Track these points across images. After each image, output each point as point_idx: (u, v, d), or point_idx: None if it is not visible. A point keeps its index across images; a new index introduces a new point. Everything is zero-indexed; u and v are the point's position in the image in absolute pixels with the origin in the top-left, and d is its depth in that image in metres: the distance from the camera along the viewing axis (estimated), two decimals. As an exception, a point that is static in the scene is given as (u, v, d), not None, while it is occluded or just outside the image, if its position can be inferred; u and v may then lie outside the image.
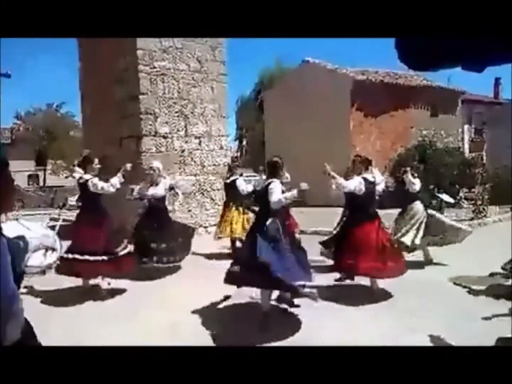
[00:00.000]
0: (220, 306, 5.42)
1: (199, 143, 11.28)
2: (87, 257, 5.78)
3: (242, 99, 33.87)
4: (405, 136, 16.29)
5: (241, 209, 8.15)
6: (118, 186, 6.10)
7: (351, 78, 16.21)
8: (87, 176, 6.04)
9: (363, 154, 7.91)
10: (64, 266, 5.43)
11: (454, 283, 6.08)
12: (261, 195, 4.83)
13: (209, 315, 5.08)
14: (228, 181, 8.32)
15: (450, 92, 19.05)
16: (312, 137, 15.97)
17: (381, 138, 16.30)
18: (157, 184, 7.05)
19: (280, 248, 4.53)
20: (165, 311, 5.18)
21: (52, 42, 61.08)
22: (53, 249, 2.49)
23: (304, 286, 4.39)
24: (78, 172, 6.18)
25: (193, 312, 5.14)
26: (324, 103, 15.87)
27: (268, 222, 4.56)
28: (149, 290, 6.23)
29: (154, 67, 10.43)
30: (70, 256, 5.66)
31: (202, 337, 4.40)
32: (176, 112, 10.81)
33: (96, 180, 5.99)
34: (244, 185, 7.95)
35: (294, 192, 4.60)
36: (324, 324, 4.60)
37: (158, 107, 10.48)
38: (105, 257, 5.88)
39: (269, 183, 4.67)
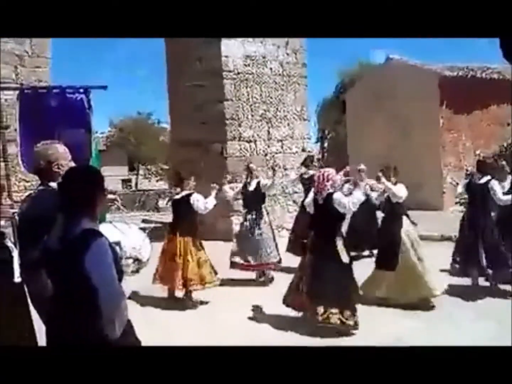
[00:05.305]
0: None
1: (282, 146, 11.34)
2: None
3: (324, 101, 33.51)
4: (501, 134, 15.19)
5: None
6: None
7: (438, 74, 15.45)
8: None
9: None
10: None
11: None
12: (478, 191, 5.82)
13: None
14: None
15: (551, 84, 17.50)
16: (398, 136, 15.40)
17: (473, 136, 15.34)
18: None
19: None
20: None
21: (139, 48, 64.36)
22: (138, 259, 2.60)
23: None
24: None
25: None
26: (410, 101, 15.24)
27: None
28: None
29: (238, 73, 10.65)
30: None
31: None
32: (259, 116, 10.96)
33: None
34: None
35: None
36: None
37: (242, 112, 10.68)
38: None
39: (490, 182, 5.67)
